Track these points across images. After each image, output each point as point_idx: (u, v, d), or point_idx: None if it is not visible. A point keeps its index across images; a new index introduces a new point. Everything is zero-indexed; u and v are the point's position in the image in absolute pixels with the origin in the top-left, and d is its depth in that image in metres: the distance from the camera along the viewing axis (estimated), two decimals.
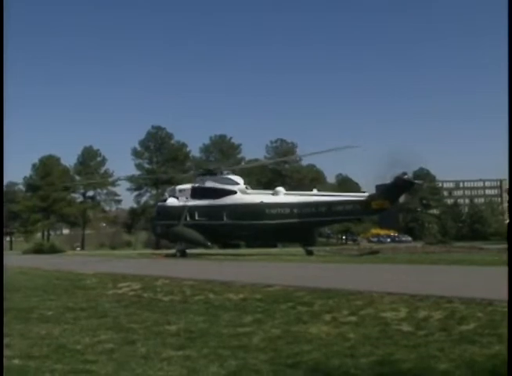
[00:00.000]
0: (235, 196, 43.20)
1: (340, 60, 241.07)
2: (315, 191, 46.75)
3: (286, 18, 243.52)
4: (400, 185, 39.88)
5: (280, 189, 44.78)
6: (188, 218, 43.33)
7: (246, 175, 62.97)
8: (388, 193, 40.58)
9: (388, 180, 40.44)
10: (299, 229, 42.20)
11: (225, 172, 48.18)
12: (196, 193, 44.22)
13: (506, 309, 9.83)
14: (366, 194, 43.65)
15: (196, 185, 45.41)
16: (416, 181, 47.82)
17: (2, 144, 13.34)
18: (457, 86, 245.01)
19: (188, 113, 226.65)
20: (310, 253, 40.86)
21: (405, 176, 39.44)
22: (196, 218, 43.28)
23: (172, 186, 49.29)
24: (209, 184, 44.29)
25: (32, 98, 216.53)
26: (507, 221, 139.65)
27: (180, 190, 45.64)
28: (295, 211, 41.38)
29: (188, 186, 46.25)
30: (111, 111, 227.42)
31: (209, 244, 44.20)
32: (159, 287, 16.64)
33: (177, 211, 43.59)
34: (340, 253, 48.42)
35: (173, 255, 42.36)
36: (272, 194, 43.67)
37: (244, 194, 43.75)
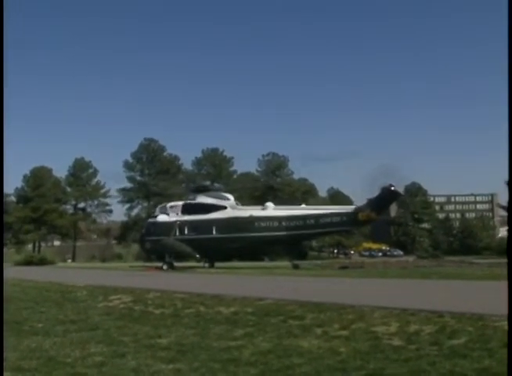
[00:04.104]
0: (225, 211, 43.80)
1: (333, 72, 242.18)
2: (303, 205, 47.60)
3: (279, 33, 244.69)
4: (386, 196, 40.41)
5: (269, 204, 45.77)
6: (177, 233, 43.63)
7: (238, 190, 63.30)
8: (375, 204, 41.01)
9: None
10: (287, 242, 42.82)
11: (217, 187, 48.93)
12: (187, 209, 44.78)
13: (496, 324, 9.91)
14: (353, 206, 44.20)
15: (187, 201, 46.07)
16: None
17: (2, 155, 13.32)
18: (450, 100, 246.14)
19: (180, 125, 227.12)
20: (296, 267, 41.00)
21: (392, 188, 39.89)
22: (186, 232, 43.60)
23: (163, 203, 49.78)
24: (200, 200, 44.84)
25: (24, 109, 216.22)
26: (498, 235, 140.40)
27: (171, 207, 46.21)
28: (283, 223, 41.97)
29: (179, 202, 46.92)
30: (103, 123, 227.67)
31: (197, 255, 44.37)
32: (150, 300, 16.60)
33: (167, 227, 43.99)
34: (331, 267, 48.46)
35: (160, 268, 42.30)
36: (262, 209, 44.24)
37: (234, 209, 44.33)
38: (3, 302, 12.75)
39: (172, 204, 47.32)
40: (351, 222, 42.42)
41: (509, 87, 8.98)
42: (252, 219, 42.69)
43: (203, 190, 47.04)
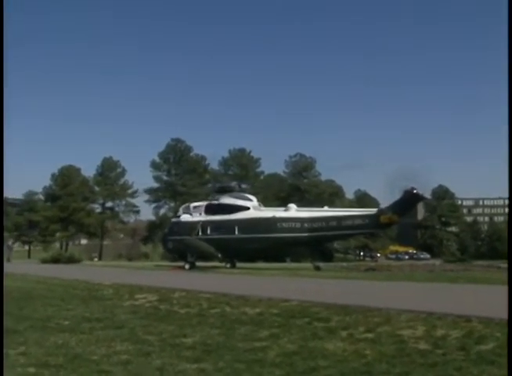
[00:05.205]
0: (248, 211, 44.04)
1: (359, 75, 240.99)
2: (325, 208, 47.82)
3: (302, 33, 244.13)
4: (409, 199, 40.26)
5: (292, 205, 46.21)
6: (200, 233, 43.91)
7: (264, 190, 63.48)
8: (397, 207, 40.86)
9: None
10: (309, 243, 42.98)
11: (241, 188, 49.24)
12: (210, 210, 45.11)
13: None
14: (376, 209, 44.16)
15: (211, 202, 46.48)
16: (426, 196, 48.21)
17: (2, 151, 13.47)
18: (477, 103, 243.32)
19: (207, 126, 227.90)
20: (317, 268, 40.96)
21: (415, 190, 39.74)
22: (209, 232, 43.88)
23: (186, 204, 50.28)
24: (223, 200, 45.16)
25: (54, 109, 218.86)
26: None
27: (194, 207, 46.63)
28: (306, 225, 42.06)
29: (202, 203, 47.29)
30: (131, 123, 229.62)
31: (220, 255, 44.50)
32: (175, 299, 16.64)
33: (189, 227, 44.34)
34: (357, 269, 48.22)
35: (182, 267, 42.52)
36: (284, 211, 44.52)
37: (257, 210, 44.66)
38: (3, 301, 12.83)
39: (195, 204, 47.74)
40: (373, 225, 42.37)
41: (509, 88, 8.86)
42: (274, 220, 42.92)
43: (226, 191, 47.38)
